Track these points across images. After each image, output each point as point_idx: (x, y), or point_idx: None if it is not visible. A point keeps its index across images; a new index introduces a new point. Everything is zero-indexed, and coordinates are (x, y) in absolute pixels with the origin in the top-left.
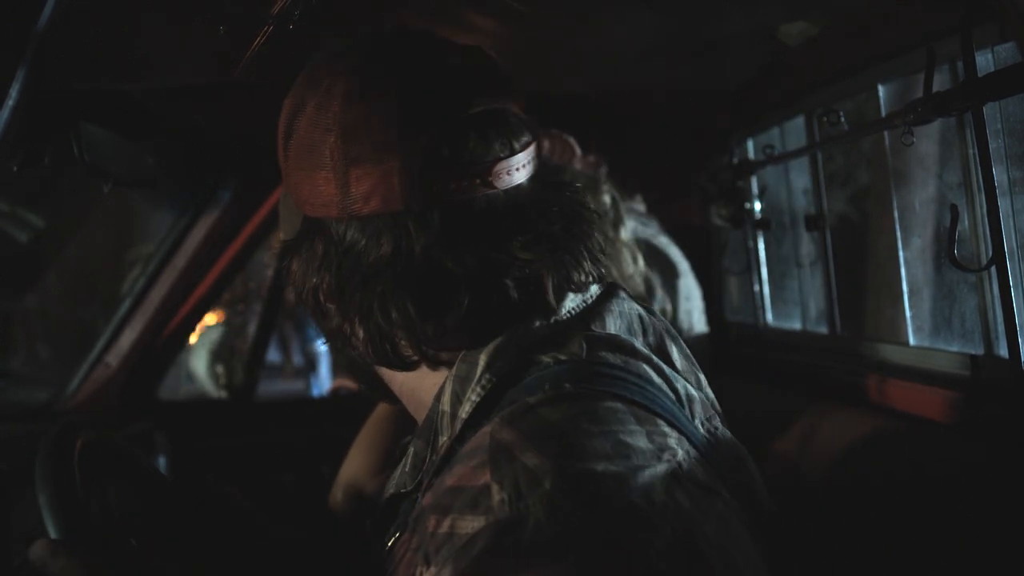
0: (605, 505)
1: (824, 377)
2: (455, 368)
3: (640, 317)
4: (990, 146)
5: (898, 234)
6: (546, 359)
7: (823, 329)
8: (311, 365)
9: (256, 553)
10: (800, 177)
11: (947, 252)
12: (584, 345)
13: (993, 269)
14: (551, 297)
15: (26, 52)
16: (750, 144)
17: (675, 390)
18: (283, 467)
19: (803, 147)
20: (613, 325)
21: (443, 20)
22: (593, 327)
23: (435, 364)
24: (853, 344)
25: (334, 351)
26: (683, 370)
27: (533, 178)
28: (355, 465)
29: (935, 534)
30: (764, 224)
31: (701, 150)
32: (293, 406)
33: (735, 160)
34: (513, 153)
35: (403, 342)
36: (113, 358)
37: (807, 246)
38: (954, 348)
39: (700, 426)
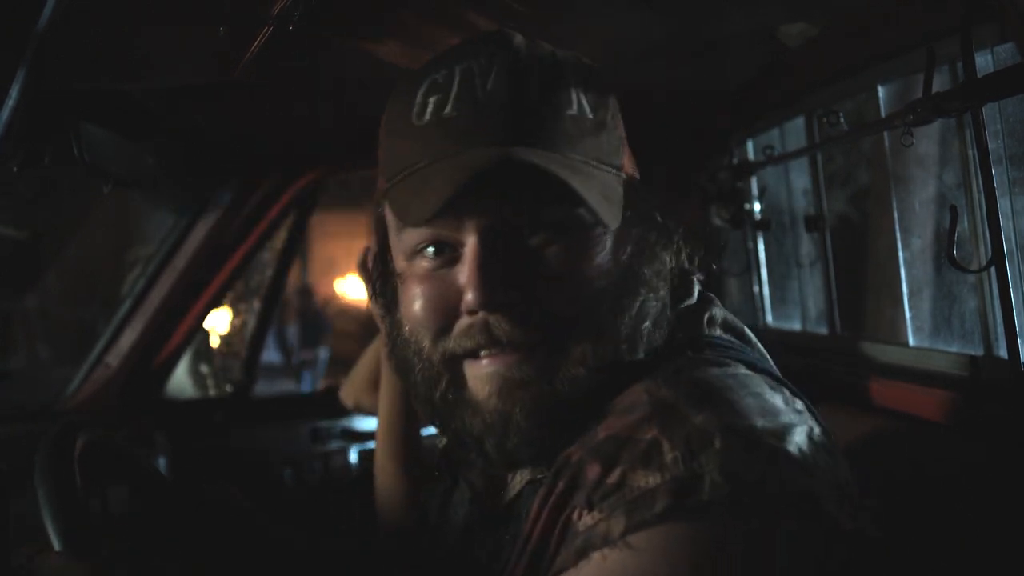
0: (771, 461)
1: (824, 377)
2: None
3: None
4: (989, 147)
5: (898, 235)
6: (679, 334)
7: (823, 330)
8: (310, 365)
9: (256, 553)
10: (800, 178)
11: (946, 253)
12: (707, 325)
13: (992, 270)
14: (690, 285)
15: (26, 52)
16: (750, 144)
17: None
18: (282, 462)
19: (803, 148)
20: (721, 312)
21: (442, 21)
22: (712, 311)
23: None
24: (853, 345)
25: None
26: None
27: None
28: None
29: (935, 534)
30: (764, 224)
31: (701, 150)
32: (287, 403)
33: (735, 160)
34: None
35: None
36: (113, 358)
37: (807, 247)
38: (954, 349)
39: None
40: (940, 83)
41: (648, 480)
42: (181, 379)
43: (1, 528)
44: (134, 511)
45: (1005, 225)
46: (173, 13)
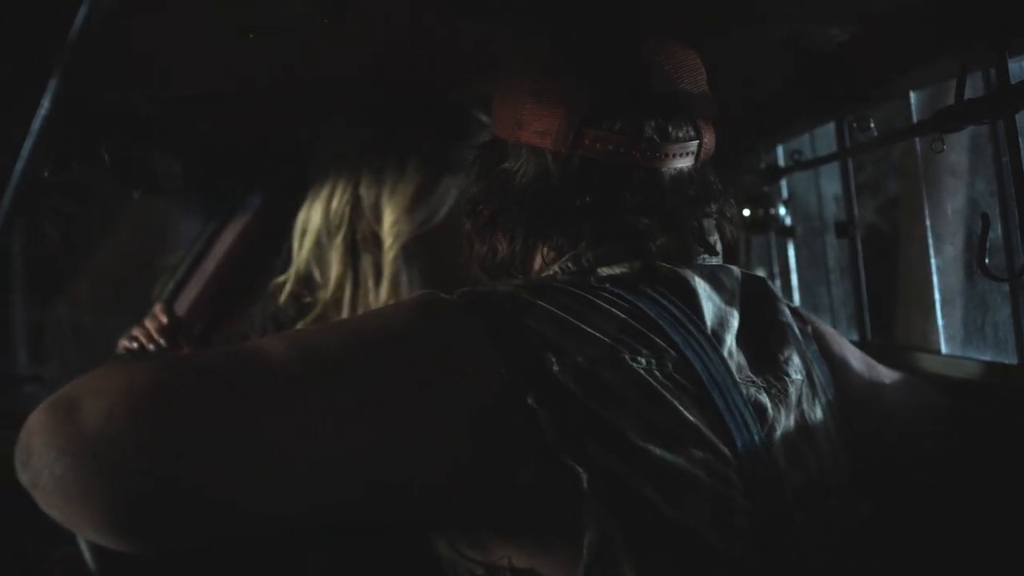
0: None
1: None
2: None
3: (720, 307)
4: (1022, 154)
5: (930, 242)
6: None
7: (854, 336)
8: None
9: None
10: (831, 184)
11: (977, 261)
12: (595, 270)
13: None
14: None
15: (58, 61)
16: (780, 150)
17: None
18: None
19: (832, 153)
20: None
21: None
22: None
23: None
24: (884, 352)
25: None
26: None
27: (689, 169)
28: None
29: (965, 543)
30: (793, 230)
31: (732, 156)
32: None
33: (763, 166)
34: (665, 140)
35: (523, 252)
36: None
37: (837, 252)
38: (987, 357)
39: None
40: (973, 90)
41: None
42: None
43: (23, 531)
44: None
45: None
46: (201, 22)
